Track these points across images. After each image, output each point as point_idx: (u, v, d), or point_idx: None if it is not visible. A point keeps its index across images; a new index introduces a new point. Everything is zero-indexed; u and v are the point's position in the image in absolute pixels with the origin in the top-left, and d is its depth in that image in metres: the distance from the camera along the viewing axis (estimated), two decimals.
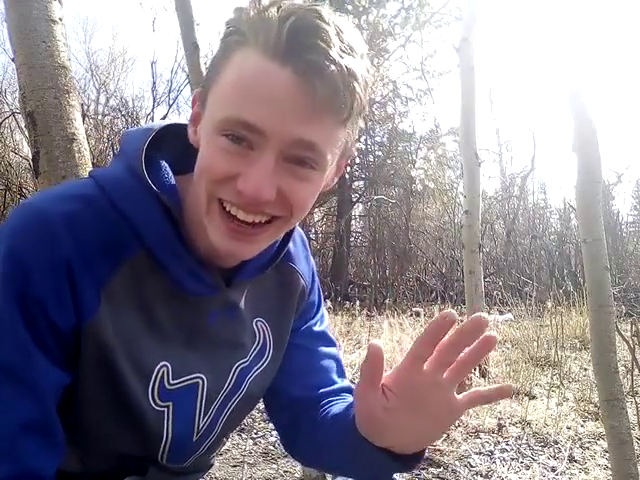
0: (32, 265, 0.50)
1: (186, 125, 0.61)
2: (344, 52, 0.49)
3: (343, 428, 0.63)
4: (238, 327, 0.67)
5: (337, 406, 0.71)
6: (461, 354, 0.52)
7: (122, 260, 0.55)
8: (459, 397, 0.55)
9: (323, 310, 0.80)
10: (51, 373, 0.52)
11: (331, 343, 0.78)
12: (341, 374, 0.77)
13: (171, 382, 0.60)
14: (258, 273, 0.65)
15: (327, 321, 0.81)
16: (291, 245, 0.71)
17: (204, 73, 2.08)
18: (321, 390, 0.74)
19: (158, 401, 0.59)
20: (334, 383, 0.75)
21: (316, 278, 0.79)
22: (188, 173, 0.60)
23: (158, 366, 0.59)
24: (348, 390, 0.76)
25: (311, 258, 0.79)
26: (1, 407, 0.50)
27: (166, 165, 0.60)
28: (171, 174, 0.60)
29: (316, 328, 0.78)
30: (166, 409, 0.60)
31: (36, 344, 0.50)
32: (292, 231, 0.68)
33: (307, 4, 0.50)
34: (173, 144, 0.63)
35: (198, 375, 0.62)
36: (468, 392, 0.56)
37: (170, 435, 0.61)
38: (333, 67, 0.48)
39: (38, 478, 0.51)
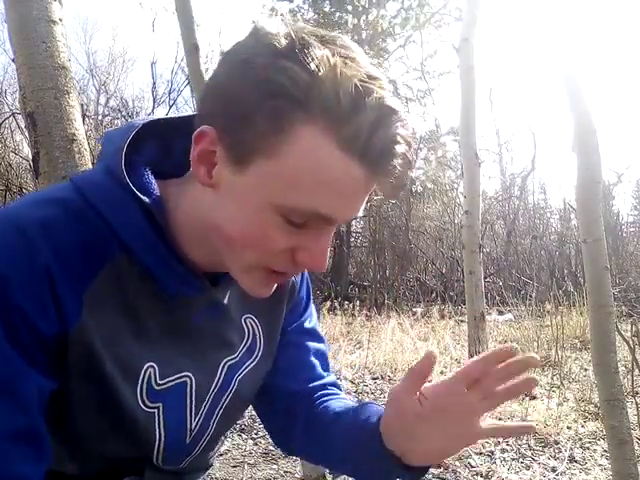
0: (10, 275, 0.49)
1: (167, 120, 0.61)
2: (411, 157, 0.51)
3: (350, 425, 0.65)
4: (225, 325, 0.66)
5: (335, 402, 0.73)
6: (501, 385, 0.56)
7: (103, 263, 0.54)
8: (483, 425, 0.57)
9: (312, 307, 0.81)
10: (35, 381, 0.51)
11: (320, 339, 0.80)
12: (327, 368, 0.80)
13: (159, 382, 0.59)
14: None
15: (315, 317, 0.82)
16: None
17: (204, 74, 2.08)
18: (312, 384, 0.76)
19: (148, 402, 0.59)
20: (322, 377, 0.77)
21: (305, 275, 0.79)
22: (167, 178, 0.59)
23: (145, 367, 0.58)
24: (334, 384, 0.79)
25: None
26: None
27: (146, 169, 0.59)
28: (152, 177, 0.58)
29: (306, 325, 0.79)
30: (156, 410, 0.60)
31: (19, 353, 0.49)
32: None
33: (388, 92, 0.48)
34: (152, 144, 0.60)
35: (185, 374, 0.62)
36: (494, 423, 0.58)
37: (163, 436, 0.61)
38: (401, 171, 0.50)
39: None
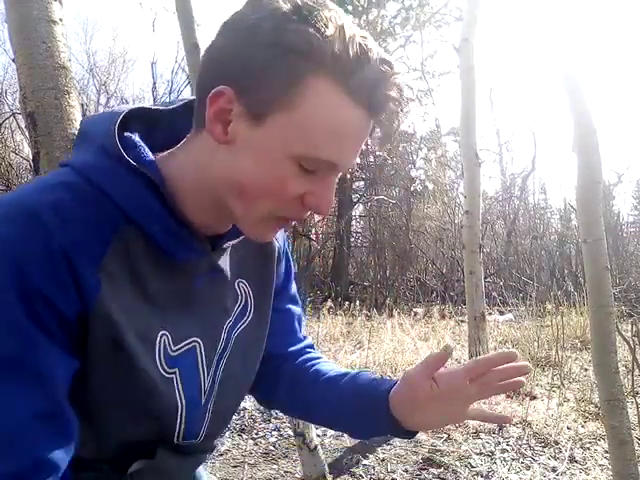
0: (28, 259, 0.50)
1: (149, 108, 0.65)
2: (403, 98, 0.57)
3: (353, 389, 0.76)
4: (222, 288, 0.70)
5: (322, 365, 0.83)
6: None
7: (111, 237, 0.56)
8: (470, 409, 0.71)
9: (292, 272, 0.87)
10: (59, 361, 0.52)
11: (299, 303, 0.89)
12: (302, 331, 0.89)
13: (173, 349, 0.62)
14: (240, 236, 0.68)
15: (294, 282, 0.89)
16: None
17: None
18: (295, 347, 0.85)
19: (166, 368, 0.62)
20: (302, 340, 0.87)
21: (287, 242, 0.85)
22: (157, 152, 0.62)
23: (159, 335, 0.61)
24: (312, 346, 0.89)
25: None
26: (11, 399, 0.50)
27: (140, 141, 0.61)
28: (148, 150, 0.61)
29: (291, 290, 0.86)
30: (174, 375, 0.63)
31: (43, 335, 0.51)
32: None
33: (379, 49, 0.55)
34: (137, 129, 0.63)
35: (194, 339, 0.65)
36: (477, 409, 0.72)
37: (183, 401, 0.63)
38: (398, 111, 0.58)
39: (51, 468, 0.51)
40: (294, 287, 0.87)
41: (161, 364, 0.61)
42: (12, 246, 0.50)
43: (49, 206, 0.53)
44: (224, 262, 0.69)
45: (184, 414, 0.64)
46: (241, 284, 0.74)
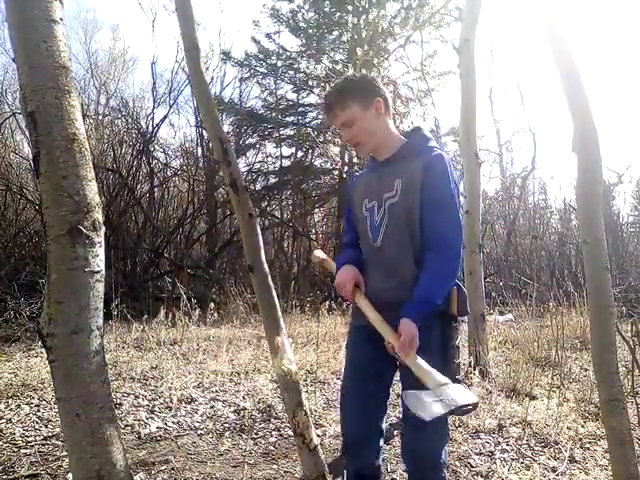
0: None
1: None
2: (338, 97, 1.65)
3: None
4: (385, 181, 1.62)
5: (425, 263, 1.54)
6: None
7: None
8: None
9: (439, 179, 1.56)
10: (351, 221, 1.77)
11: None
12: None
13: (366, 206, 1.66)
14: (390, 158, 1.65)
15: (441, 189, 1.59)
16: (416, 148, 1.62)
17: (204, 73, 2.08)
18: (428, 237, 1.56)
19: (364, 212, 1.66)
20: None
21: (436, 164, 1.54)
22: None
23: (365, 200, 1.67)
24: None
25: (435, 154, 1.57)
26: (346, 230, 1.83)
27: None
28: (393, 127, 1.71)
29: (432, 192, 1.53)
30: (367, 214, 1.65)
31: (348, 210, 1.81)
32: (410, 143, 1.65)
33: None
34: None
35: (373, 202, 1.64)
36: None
37: (369, 224, 1.64)
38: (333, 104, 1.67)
39: (353, 245, 1.74)
40: (438, 193, 1.53)
41: (362, 211, 1.67)
42: None
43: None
44: (389, 169, 1.62)
45: (370, 230, 1.64)
46: (397, 181, 1.58)
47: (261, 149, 11.43)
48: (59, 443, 2.53)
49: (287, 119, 11.04)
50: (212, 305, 5.77)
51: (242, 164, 10.89)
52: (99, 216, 1.55)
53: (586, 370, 4.16)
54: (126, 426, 2.81)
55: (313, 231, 12.02)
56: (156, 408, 3.12)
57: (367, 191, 1.67)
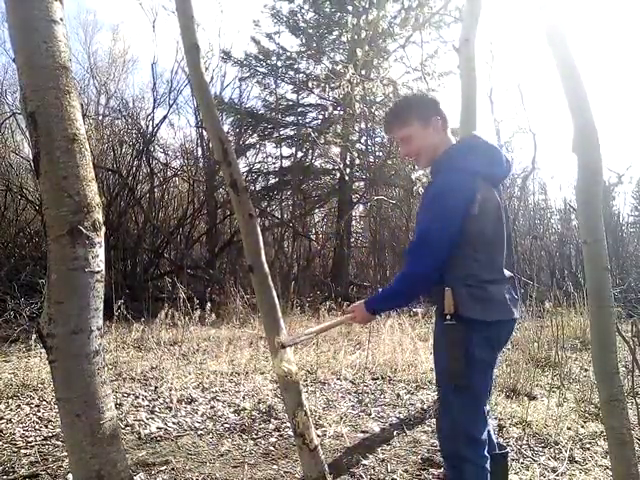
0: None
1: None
2: (398, 115, 1.76)
3: None
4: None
5: None
6: None
7: None
8: None
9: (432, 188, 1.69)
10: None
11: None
12: None
13: None
14: (429, 167, 1.77)
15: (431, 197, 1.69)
16: (435, 167, 1.74)
17: (204, 73, 2.08)
18: None
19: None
20: None
21: (435, 184, 1.67)
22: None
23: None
24: None
25: (442, 176, 1.66)
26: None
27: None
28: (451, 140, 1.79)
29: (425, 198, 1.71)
30: None
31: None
32: (439, 161, 1.71)
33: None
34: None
35: None
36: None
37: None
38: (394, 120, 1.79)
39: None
40: (428, 198, 1.65)
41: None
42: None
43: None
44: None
45: None
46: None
47: (261, 149, 11.43)
48: (59, 443, 2.53)
49: (287, 119, 11.04)
50: (212, 305, 5.77)
51: (242, 164, 10.90)
52: (99, 216, 1.55)
53: (586, 370, 4.16)
54: (126, 426, 2.81)
55: (313, 231, 12.02)
56: (156, 408, 3.12)
57: None
